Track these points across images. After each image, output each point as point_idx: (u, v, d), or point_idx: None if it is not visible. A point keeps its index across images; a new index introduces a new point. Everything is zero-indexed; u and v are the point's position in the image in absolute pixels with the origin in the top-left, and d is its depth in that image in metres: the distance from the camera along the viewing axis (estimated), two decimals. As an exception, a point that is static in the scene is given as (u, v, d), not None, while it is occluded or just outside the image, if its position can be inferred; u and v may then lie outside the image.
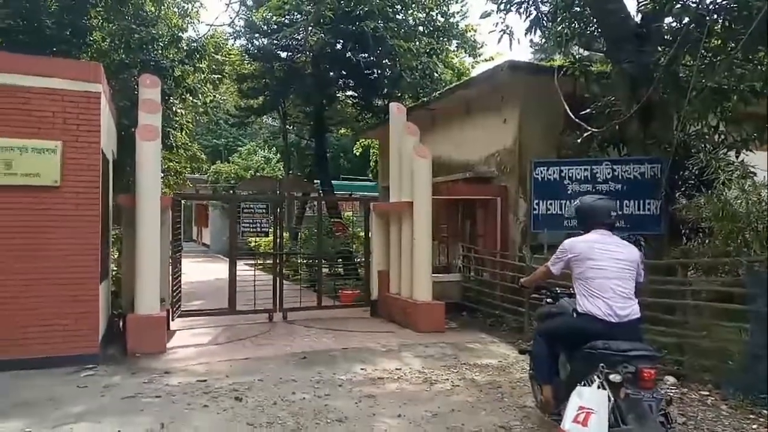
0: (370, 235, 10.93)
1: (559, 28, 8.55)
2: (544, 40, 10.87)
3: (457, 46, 18.50)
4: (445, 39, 17.02)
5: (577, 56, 9.22)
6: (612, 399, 3.76)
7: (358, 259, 14.16)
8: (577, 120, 8.09)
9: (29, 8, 10.29)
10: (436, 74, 15.57)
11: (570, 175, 8.60)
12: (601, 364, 3.89)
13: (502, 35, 8.69)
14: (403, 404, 5.66)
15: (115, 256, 10.15)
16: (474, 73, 18.32)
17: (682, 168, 8.04)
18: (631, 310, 4.25)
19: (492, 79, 10.74)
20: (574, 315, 4.45)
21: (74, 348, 6.91)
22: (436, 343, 8.36)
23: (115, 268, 9.77)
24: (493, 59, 19.49)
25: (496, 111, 11.08)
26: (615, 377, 3.79)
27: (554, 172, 8.71)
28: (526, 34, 8.90)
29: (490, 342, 8.60)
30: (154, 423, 5.08)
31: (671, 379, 4.26)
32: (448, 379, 6.57)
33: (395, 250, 10.13)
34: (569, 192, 8.60)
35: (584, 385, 3.91)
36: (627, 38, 8.03)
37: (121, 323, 8.43)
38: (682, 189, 8.28)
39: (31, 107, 6.71)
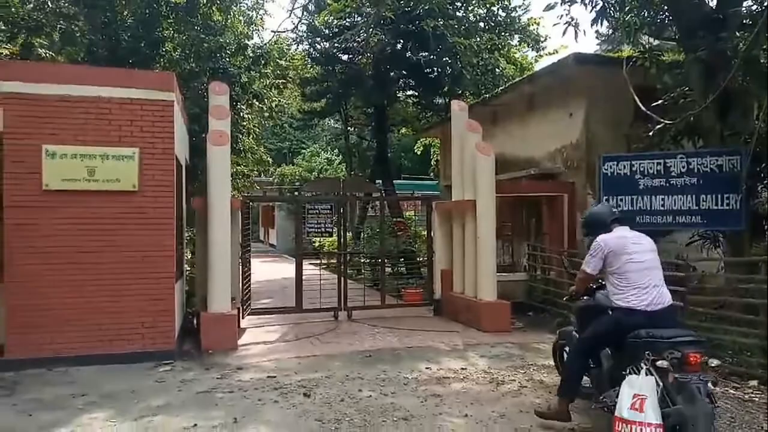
0: (432, 234, 10.91)
1: (628, 17, 8.22)
2: (611, 31, 10.50)
3: (519, 41, 18.14)
4: (507, 34, 16.73)
5: (646, 46, 8.85)
6: (660, 384, 3.98)
7: (421, 259, 14.17)
8: (648, 112, 7.76)
9: (108, 23, 10.93)
10: (497, 70, 15.34)
11: (641, 169, 8.26)
12: (647, 352, 4.09)
13: (566, 27, 8.46)
14: (469, 404, 5.62)
15: (189, 257, 10.60)
16: (537, 67, 17.91)
17: (764, 159, 7.57)
18: (667, 297, 4.50)
19: (557, 73, 10.49)
20: (610, 312, 4.63)
21: (152, 344, 7.28)
22: (501, 343, 8.25)
23: (188, 268, 10.20)
24: (556, 52, 18.96)
25: (562, 105, 10.81)
26: (663, 363, 3.99)
27: (624, 167, 8.39)
28: (592, 24, 8.62)
29: (557, 342, 8.38)
30: (228, 417, 5.27)
31: (715, 362, 4.31)
32: (515, 380, 6.47)
33: (458, 248, 10.07)
34: (641, 187, 8.26)
35: (630, 373, 4.14)
36: (701, 24, 7.63)
37: (194, 321, 8.81)
38: (765, 182, 7.79)
39: (111, 117, 7.12)
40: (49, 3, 11.03)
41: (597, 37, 26.22)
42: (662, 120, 7.74)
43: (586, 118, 10.25)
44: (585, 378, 5.05)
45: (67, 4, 11.05)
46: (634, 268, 4.49)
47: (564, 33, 8.61)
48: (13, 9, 10.70)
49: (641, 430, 3.87)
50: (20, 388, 6.18)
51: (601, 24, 8.69)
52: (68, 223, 7.00)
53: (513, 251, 12.14)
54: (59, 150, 6.90)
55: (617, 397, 4.13)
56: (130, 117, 7.19)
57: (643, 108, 7.81)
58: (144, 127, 7.23)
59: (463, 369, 6.89)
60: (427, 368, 6.91)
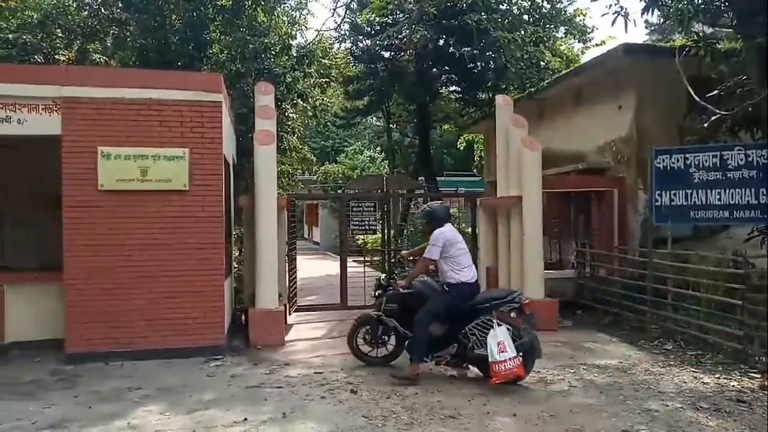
0: (477, 230, 10.79)
1: (680, 5, 7.91)
2: (662, 20, 10.14)
3: (565, 33, 17.77)
4: (552, 26, 16.42)
5: (700, 34, 8.50)
6: (510, 329, 5.99)
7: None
8: (703, 103, 7.46)
9: (157, 27, 11.25)
10: (543, 63, 15.07)
11: (696, 162, 7.95)
12: (492, 311, 6.08)
13: (615, 17, 8.19)
14: (517, 403, 5.54)
15: (236, 254, 10.82)
16: (584, 59, 17.50)
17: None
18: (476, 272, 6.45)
19: (605, 64, 10.20)
20: (446, 288, 6.26)
21: (203, 339, 7.46)
22: (549, 341, 8.05)
23: (236, 266, 10.42)
24: (604, 43, 18.49)
25: (610, 97, 10.52)
26: (513, 314, 6.14)
27: (678, 160, 8.10)
28: (642, 14, 8.32)
29: (608, 341, 8.18)
30: (277, 412, 5.35)
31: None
32: (564, 379, 6.34)
33: (504, 246, 9.92)
34: (696, 181, 7.96)
35: (470, 332, 6.12)
36: (759, 10, 7.26)
37: (243, 317, 8.99)
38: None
39: (162, 118, 7.33)
40: (103, 9, 11.45)
41: (647, 27, 25.41)
42: (718, 111, 7.42)
43: (637, 110, 9.94)
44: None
45: (119, 11, 11.43)
46: (461, 253, 6.24)
47: (613, 23, 8.35)
48: (69, 17, 11.14)
49: (509, 362, 5.80)
50: (80, 380, 6.43)
51: (652, 13, 8.39)
52: (122, 222, 7.24)
53: (560, 248, 11.89)
54: (113, 151, 7.14)
55: (468, 349, 6.13)
56: (180, 118, 7.38)
57: (697, 99, 7.52)
58: (193, 128, 7.41)
59: (509, 368, 6.78)
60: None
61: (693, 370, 6.70)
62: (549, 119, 12.59)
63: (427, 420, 5.12)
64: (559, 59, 17.08)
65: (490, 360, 5.83)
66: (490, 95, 16.62)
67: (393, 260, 12.15)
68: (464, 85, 16.87)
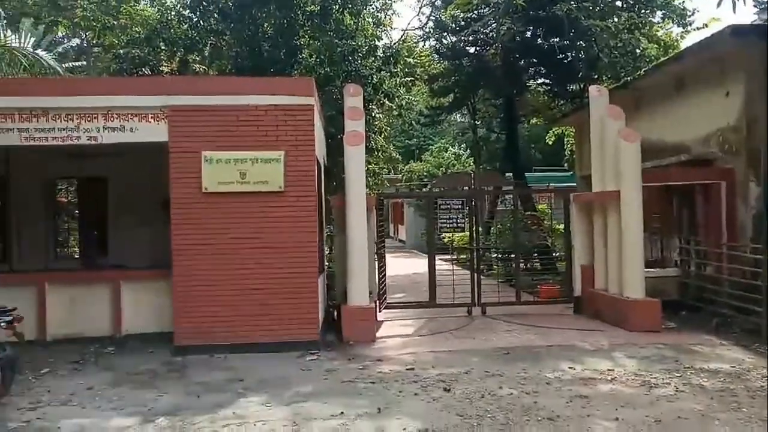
0: (570, 227, 10.43)
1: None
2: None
3: (662, 17, 16.73)
4: (648, 11, 15.50)
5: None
6: None
7: (557, 254, 13.63)
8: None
9: (250, 35, 11.77)
10: (638, 51, 14.26)
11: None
12: None
13: (723, -3, 7.62)
14: (620, 407, 5.31)
15: (327, 252, 11.11)
16: (684, 44, 16.42)
17: None
18: None
19: (710, 49, 9.51)
20: None
21: (299, 334, 7.74)
22: (652, 343, 7.69)
23: (327, 263, 10.70)
24: (706, 26, 17.23)
25: (716, 84, 9.80)
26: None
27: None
28: (753, -9, 7.69)
29: (718, 345, 7.66)
30: (372, 407, 5.45)
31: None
32: (669, 384, 6.01)
33: (600, 242, 9.54)
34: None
35: None
36: None
37: (335, 313, 9.23)
38: None
39: (259, 122, 7.68)
40: (202, 22, 12.12)
41: (756, 5, 23.45)
42: None
43: (747, 96, 9.19)
44: None
45: (216, 22, 12.06)
46: None
47: (719, 4, 7.76)
48: (172, 30, 11.90)
49: None
50: (188, 371, 6.88)
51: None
52: (224, 222, 7.66)
53: (662, 245, 11.24)
54: (215, 156, 7.57)
55: None
56: (275, 122, 7.70)
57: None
58: (288, 131, 7.71)
59: (609, 370, 6.52)
60: (570, 368, 6.63)
61: (818, 377, 6.13)
62: (646, 109, 11.92)
63: (524, 421, 5.03)
64: (656, 46, 16.09)
65: None
66: (582, 86, 15.95)
67: (483, 258, 12.01)
68: (553, 77, 16.31)
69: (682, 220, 10.82)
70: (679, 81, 10.85)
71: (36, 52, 11.48)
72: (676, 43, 17.34)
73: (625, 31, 13.80)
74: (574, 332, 8.58)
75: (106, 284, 8.27)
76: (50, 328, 8.10)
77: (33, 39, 11.99)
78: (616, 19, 13.66)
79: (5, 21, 15.34)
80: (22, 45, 11.53)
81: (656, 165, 10.60)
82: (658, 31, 17.15)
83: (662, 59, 12.29)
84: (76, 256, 11.24)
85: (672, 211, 11.10)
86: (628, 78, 12.33)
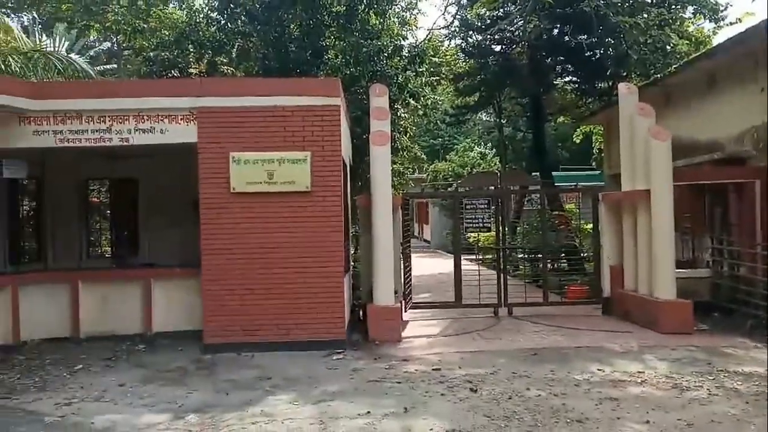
0: (599, 227, 10.29)
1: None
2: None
3: (693, 13, 16.41)
4: (679, 6, 15.22)
5: None
6: None
7: (585, 254, 13.45)
8: None
9: (277, 36, 11.88)
10: (669, 47, 14.03)
11: None
12: None
13: (757, -9, 7.43)
14: (650, 410, 5.22)
15: (353, 252, 11.15)
16: (717, 40, 16.06)
17: None
18: None
19: (744, 44, 9.27)
20: None
21: (325, 333, 7.79)
22: (683, 345, 7.54)
23: (352, 263, 10.74)
24: (740, 21, 16.83)
25: (750, 80, 9.54)
26: None
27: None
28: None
29: (752, 347, 7.47)
30: (398, 406, 5.46)
31: None
32: (702, 387, 5.88)
33: (629, 243, 9.38)
34: None
35: None
36: None
37: (360, 312, 9.26)
38: None
39: (286, 123, 7.75)
40: (229, 24, 12.27)
41: (792, -1, 22.75)
42: None
43: (783, 92, 8.93)
44: None
45: (243, 24, 12.20)
46: None
47: (754, -2, 7.58)
48: (200, 32, 12.08)
49: None
50: (217, 369, 6.98)
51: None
52: (251, 222, 7.75)
53: (693, 245, 11.01)
54: (243, 156, 7.66)
55: None
56: (302, 123, 7.76)
57: None
58: (314, 132, 7.76)
59: (640, 372, 6.41)
60: (599, 370, 6.54)
61: None
62: (676, 106, 11.68)
63: (552, 423, 4.97)
64: (687, 42, 15.80)
65: None
66: (610, 84, 15.74)
67: (510, 258, 11.92)
68: (581, 74, 16.13)
69: (714, 219, 10.57)
70: (712, 77, 10.60)
71: (69, 55, 11.80)
72: (708, 39, 16.99)
73: (655, 27, 13.58)
74: (603, 333, 8.46)
75: (137, 283, 8.45)
76: (83, 326, 8.30)
77: (66, 43, 12.33)
78: (645, 15, 13.45)
79: (40, 26, 15.79)
80: (56, 49, 11.86)
81: (687, 163, 10.37)
82: (689, 26, 16.83)
83: (694, 55, 12.02)
84: (108, 256, 11.47)
85: (704, 210, 10.85)
86: (658, 75, 12.11)
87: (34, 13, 19.60)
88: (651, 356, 7.13)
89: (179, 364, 7.18)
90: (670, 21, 14.65)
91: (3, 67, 10.30)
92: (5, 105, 7.36)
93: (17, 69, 10.55)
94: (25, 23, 19.78)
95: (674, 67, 11.66)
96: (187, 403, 5.72)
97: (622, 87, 9.93)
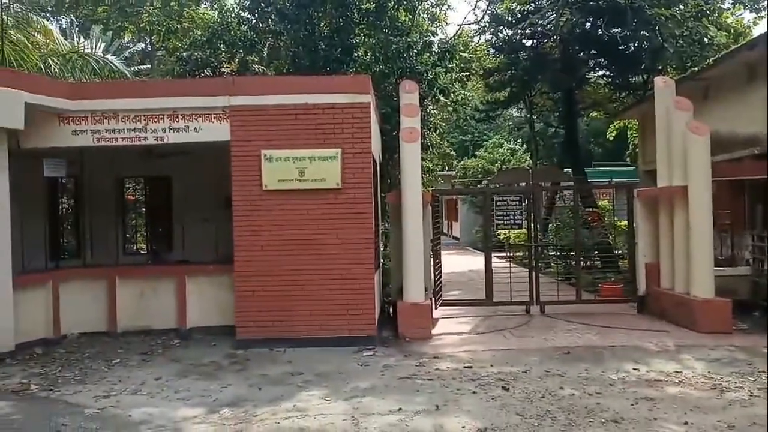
0: (634, 224, 10.08)
1: None
2: None
3: (732, 3, 15.94)
4: (717, -3, 14.80)
5: None
6: None
7: (619, 251, 13.21)
8: None
9: (307, 35, 11.94)
10: (706, 39, 13.66)
11: None
12: None
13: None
14: (689, 411, 5.10)
15: (382, 249, 11.15)
16: (756, 31, 15.57)
17: None
18: None
19: (787, 35, 8.97)
20: None
21: (355, 330, 7.82)
22: (722, 345, 7.34)
23: (381, 260, 10.74)
24: (782, 11, 16.31)
25: (793, 72, 9.22)
26: None
27: None
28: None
29: (796, 348, 7.22)
30: (429, 404, 5.44)
31: None
32: (743, 388, 5.72)
33: (666, 240, 9.17)
34: None
35: None
36: None
37: (390, 309, 9.27)
38: None
39: (318, 121, 7.79)
40: (260, 23, 12.39)
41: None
42: None
43: (829, 84, 8.61)
44: None
45: (274, 23, 12.30)
46: None
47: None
48: (232, 32, 12.22)
49: None
50: (250, 364, 7.06)
51: None
52: (283, 219, 7.82)
53: (732, 242, 10.70)
54: (275, 154, 7.74)
55: None
56: (332, 120, 7.79)
57: None
58: (345, 129, 7.79)
59: (677, 372, 6.27)
60: (634, 369, 6.42)
61: None
62: (715, 100, 11.34)
63: (586, 423, 4.90)
64: (725, 33, 15.36)
65: None
66: (645, 78, 15.43)
67: (542, 255, 11.77)
68: (615, 68, 15.85)
69: (754, 216, 10.26)
70: (751, 70, 10.26)
71: (106, 57, 12.08)
72: (747, 30, 16.50)
73: (692, 18, 13.26)
74: (638, 332, 8.30)
75: (172, 279, 8.61)
76: (120, 321, 8.51)
77: (103, 45, 12.63)
78: (682, 7, 13.15)
79: (77, 28, 16.22)
80: (93, 50, 12.17)
81: (726, 159, 10.08)
82: (727, 17, 16.37)
83: (733, 47, 11.65)
84: (143, 252, 11.72)
85: (743, 206, 10.54)
86: (696, 68, 11.79)
87: (72, 16, 20.15)
88: (689, 356, 6.96)
89: (213, 359, 7.30)
90: (708, 12, 14.27)
91: (43, 68, 10.60)
92: (46, 106, 7.58)
93: (56, 70, 10.86)
94: (63, 26, 20.38)
95: (712, 60, 11.33)
96: (221, 397, 5.81)
97: (658, 81, 9.70)
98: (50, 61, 10.86)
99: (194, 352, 7.69)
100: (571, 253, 11.50)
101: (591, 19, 14.28)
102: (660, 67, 14.16)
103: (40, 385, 6.31)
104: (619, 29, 13.65)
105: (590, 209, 14.65)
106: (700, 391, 5.66)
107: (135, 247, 11.94)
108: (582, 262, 12.18)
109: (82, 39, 13.03)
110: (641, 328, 8.59)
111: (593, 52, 15.36)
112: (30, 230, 8.87)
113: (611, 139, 24.76)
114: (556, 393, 5.66)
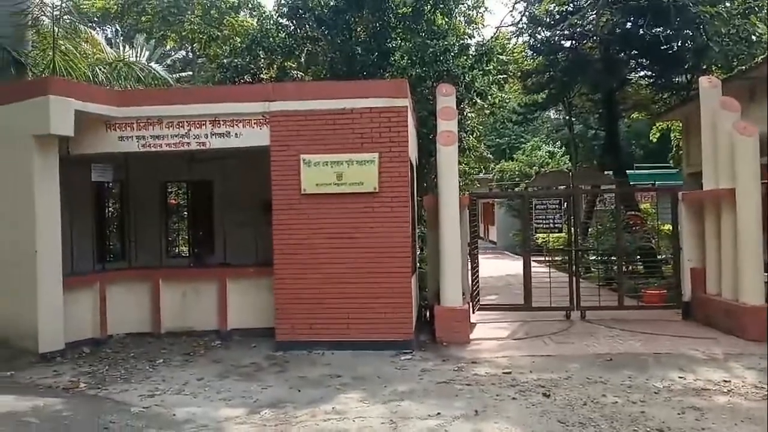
0: (679, 228, 9.80)
1: None
2: None
3: (782, -1, 15.31)
4: (766, -8, 14.25)
5: None
6: None
7: (662, 256, 12.85)
8: None
9: (344, 40, 12.06)
10: (754, 37, 13.20)
11: None
12: None
13: None
14: (739, 422, 4.93)
15: (419, 253, 11.13)
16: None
17: None
18: None
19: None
20: None
21: (392, 333, 7.81)
22: (774, 354, 7.07)
23: (418, 263, 10.72)
24: (836, 6, 15.60)
25: None
26: None
27: None
28: None
29: None
30: (468, 409, 5.41)
31: None
32: (796, 399, 5.49)
33: (713, 244, 8.89)
34: None
35: None
36: None
37: (427, 313, 9.23)
38: None
39: (355, 125, 7.85)
40: (298, 29, 12.57)
41: None
42: None
43: None
44: None
45: (312, 29, 12.46)
46: None
47: None
48: (271, 39, 12.43)
49: None
50: (289, 366, 7.15)
51: None
52: (322, 223, 7.90)
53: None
54: (313, 158, 7.83)
55: None
56: (370, 124, 7.84)
57: None
58: (382, 133, 7.82)
59: (725, 381, 6.07)
60: (680, 377, 6.25)
61: None
62: (763, 100, 10.95)
63: (630, 431, 4.78)
64: (775, 30, 14.80)
65: None
66: (688, 78, 14.99)
67: (582, 259, 11.55)
68: (657, 68, 15.40)
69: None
70: (805, 67, 9.88)
71: (150, 64, 12.44)
72: (798, 26, 15.83)
73: (739, 15, 12.85)
74: (684, 339, 8.06)
75: (214, 281, 8.79)
76: (164, 322, 8.74)
77: (146, 53, 13.01)
78: (728, 4, 12.73)
79: (122, 37, 16.75)
80: (137, 58, 12.54)
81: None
82: (777, 14, 15.74)
83: (784, 44, 11.25)
84: (185, 255, 11.98)
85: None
86: (743, 67, 11.40)
87: (117, 25, 20.84)
88: (737, 364, 6.73)
89: (253, 360, 7.41)
90: (756, 9, 13.77)
91: (91, 76, 10.98)
92: (95, 113, 7.86)
93: (103, 78, 11.23)
94: (109, 35, 21.09)
95: (761, 58, 10.95)
96: (261, 398, 5.89)
97: (703, 80, 9.43)
98: (97, 70, 11.23)
99: (235, 353, 7.83)
100: (613, 258, 11.24)
101: (632, 18, 13.96)
102: (704, 67, 13.74)
103: (89, 384, 6.53)
104: (662, 28, 13.28)
105: (632, 212, 14.31)
106: (750, 401, 5.47)
107: (177, 250, 12.22)
108: (624, 267, 11.90)
109: (126, 48, 13.44)
110: (687, 335, 8.34)
111: (635, 52, 14.99)
112: (78, 233, 9.18)
113: (654, 140, 24.15)
114: (599, 400, 5.55)
